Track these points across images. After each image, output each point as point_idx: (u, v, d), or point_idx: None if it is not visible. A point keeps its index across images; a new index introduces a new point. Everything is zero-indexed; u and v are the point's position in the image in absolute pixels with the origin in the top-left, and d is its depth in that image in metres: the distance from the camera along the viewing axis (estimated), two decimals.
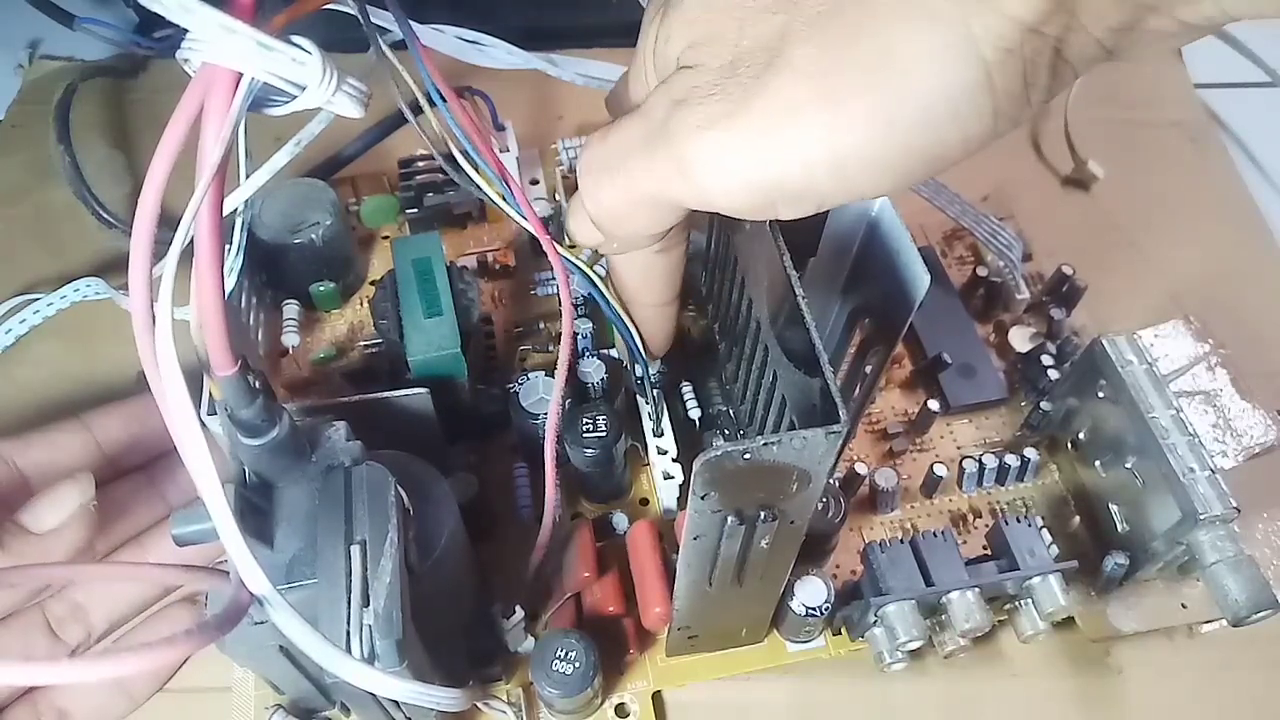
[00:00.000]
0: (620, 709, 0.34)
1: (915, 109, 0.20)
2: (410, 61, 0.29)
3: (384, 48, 0.27)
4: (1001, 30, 0.19)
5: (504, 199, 0.31)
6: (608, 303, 0.33)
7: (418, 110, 0.30)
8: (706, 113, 0.22)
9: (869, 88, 0.20)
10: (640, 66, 0.26)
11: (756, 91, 0.21)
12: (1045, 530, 0.34)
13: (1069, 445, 0.38)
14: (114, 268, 0.44)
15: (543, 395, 0.36)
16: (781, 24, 0.21)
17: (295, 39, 0.19)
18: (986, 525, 0.38)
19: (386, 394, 0.33)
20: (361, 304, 0.43)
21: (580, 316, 0.39)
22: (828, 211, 0.31)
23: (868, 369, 0.34)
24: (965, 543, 0.38)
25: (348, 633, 0.24)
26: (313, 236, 0.40)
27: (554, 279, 0.44)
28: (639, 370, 0.36)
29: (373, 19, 0.26)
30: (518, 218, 0.31)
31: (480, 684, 0.34)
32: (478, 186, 0.31)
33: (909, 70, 0.20)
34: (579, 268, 0.33)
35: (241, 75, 0.18)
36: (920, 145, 0.20)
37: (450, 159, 0.31)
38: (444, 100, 0.29)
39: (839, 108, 0.20)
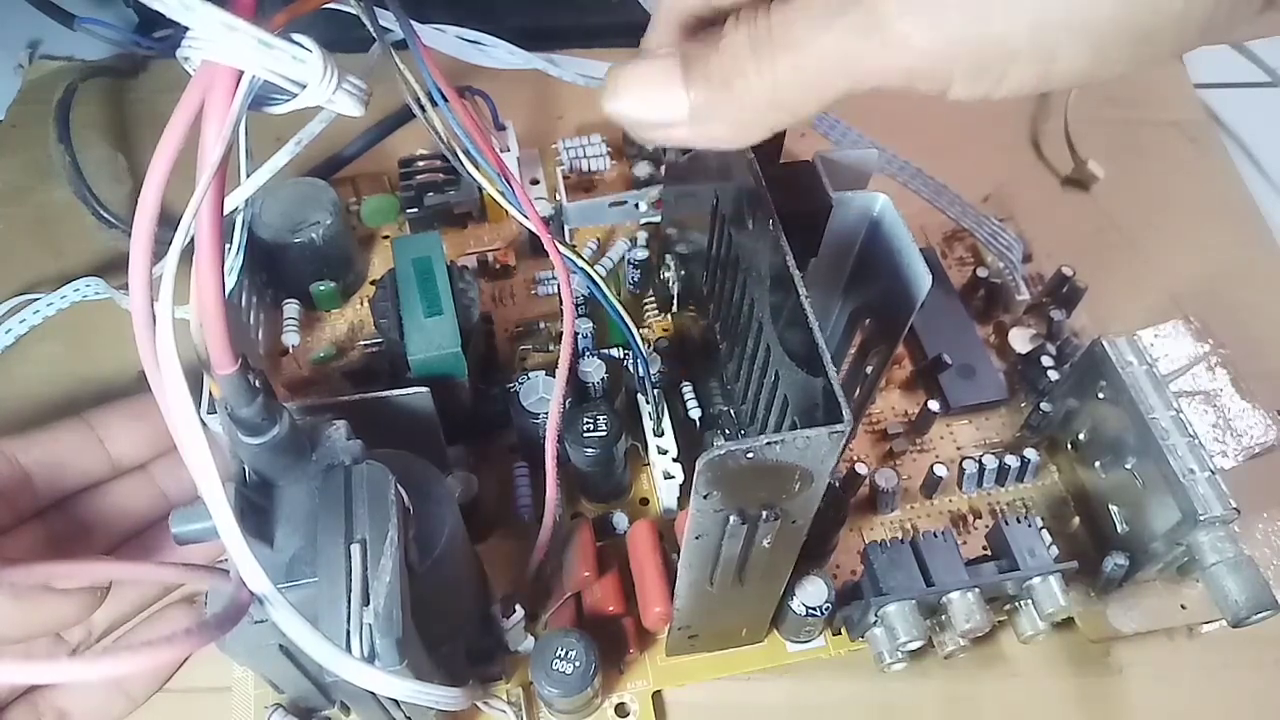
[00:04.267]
0: (620, 709, 0.34)
1: None
2: (411, 61, 0.29)
3: (388, 47, 0.27)
4: None
5: (505, 198, 0.31)
6: (609, 301, 0.33)
7: (420, 109, 0.30)
8: None
9: None
10: None
11: None
12: (1045, 531, 0.34)
13: (1069, 446, 0.38)
14: (114, 268, 0.44)
15: (543, 395, 0.36)
16: None
17: (296, 37, 0.19)
18: (986, 526, 0.38)
19: (386, 393, 0.33)
20: (361, 303, 0.43)
21: (581, 316, 0.39)
22: (830, 211, 0.31)
23: (869, 369, 0.34)
24: (965, 543, 0.38)
25: (348, 632, 0.24)
26: (313, 236, 0.40)
27: (554, 279, 0.44)
28: (639, 370, 0.36)
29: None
30: (519, 216, 0.31)
31: (480, 684, 0.34)
32: (486, 181, 0.31)
33: None
34: (580, 267, 0.33)
35: (242, 73, 0.18)
36: (1132, 14, 0.19)
37: (455, 156, 0.31)
38: (445, 100, 0.29)
39: None
